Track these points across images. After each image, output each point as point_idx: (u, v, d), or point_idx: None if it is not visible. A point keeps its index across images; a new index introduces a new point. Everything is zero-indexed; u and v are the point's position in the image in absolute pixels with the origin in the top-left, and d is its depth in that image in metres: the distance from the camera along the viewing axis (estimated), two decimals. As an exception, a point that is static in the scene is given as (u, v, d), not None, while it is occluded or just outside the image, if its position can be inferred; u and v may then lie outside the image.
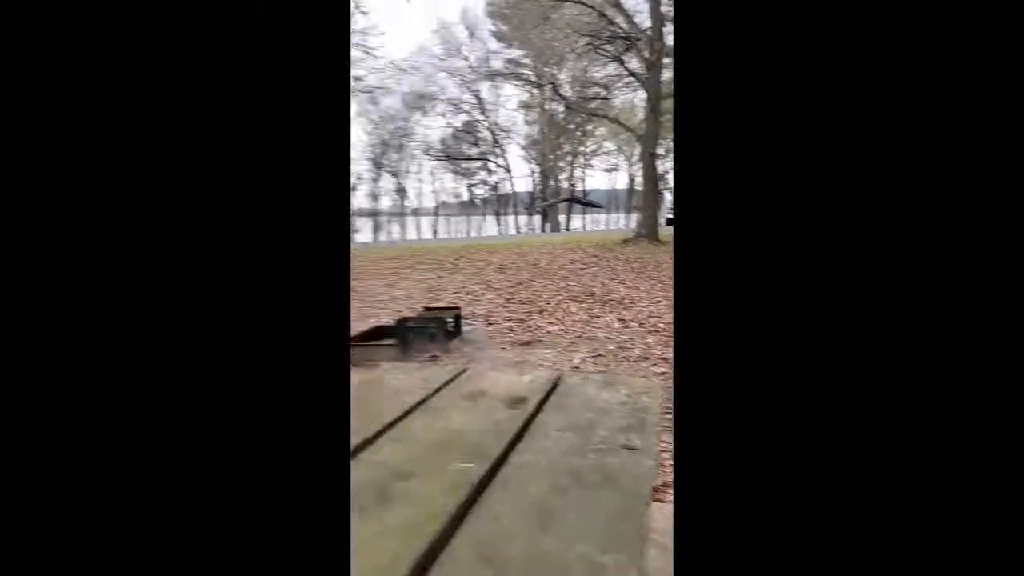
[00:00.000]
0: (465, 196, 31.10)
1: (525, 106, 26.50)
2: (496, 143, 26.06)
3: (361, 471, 0.86)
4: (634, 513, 0.72)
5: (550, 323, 4.48)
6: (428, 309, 4.65)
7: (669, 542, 0.55)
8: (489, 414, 1.07)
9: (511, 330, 4.35)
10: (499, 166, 27.06)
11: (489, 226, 29.74)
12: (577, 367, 3.31)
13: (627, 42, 11.76)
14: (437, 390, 1.22)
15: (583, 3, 11.55)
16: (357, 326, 4.63)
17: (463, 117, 26.32)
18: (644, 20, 11.89)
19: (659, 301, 5.02)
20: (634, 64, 12.44)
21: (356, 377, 3.37)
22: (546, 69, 19.21)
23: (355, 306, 5.55)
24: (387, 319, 4.79)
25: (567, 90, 18.14)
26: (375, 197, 28.43)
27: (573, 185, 29.73)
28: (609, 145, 27.90)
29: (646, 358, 3.36)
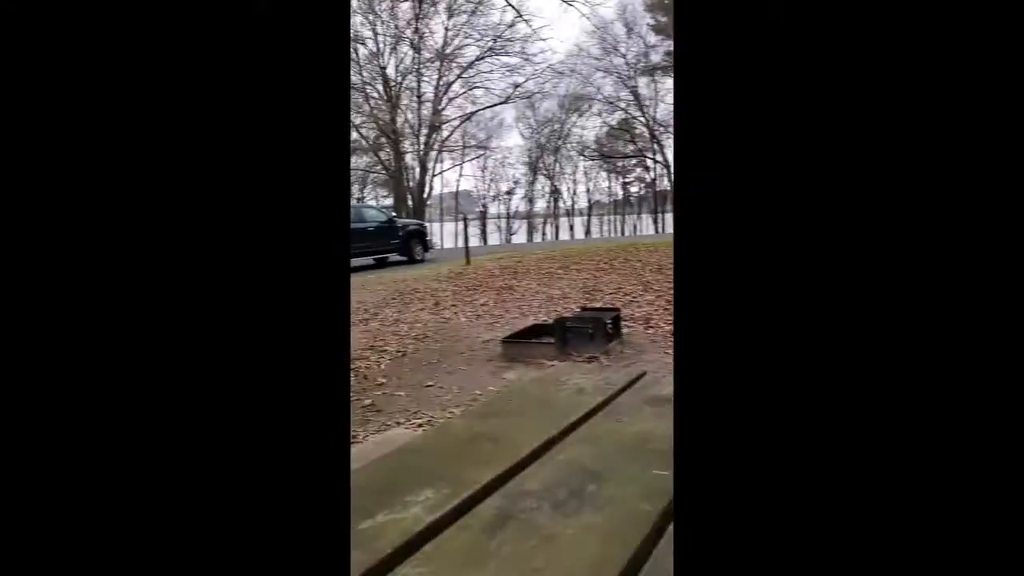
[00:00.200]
0: (620, 195, 30.58)
1: (685, 98, 25.08)
2: (654, 139, 25.18)
3: (549, 469, 0.88)
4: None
5: (716, 328, 4.19)
6: (586, 309, 4.65)
7: None
8: (677, 422, 1.02)
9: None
10: (656, 162, 26.12)
11: (645, 225, 28.89)
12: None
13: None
14: (619, 392, 1.20)
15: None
16: (516, 323, 4.80)
17: (619, 115, 25.88)
18: None
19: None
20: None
21: (529, 374, 3.47)
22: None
23: (513, 305, 5.75)
24: (544, 318, 4.89)
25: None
26: (531, 200, 29.21)
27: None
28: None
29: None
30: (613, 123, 26.23)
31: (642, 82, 24.68)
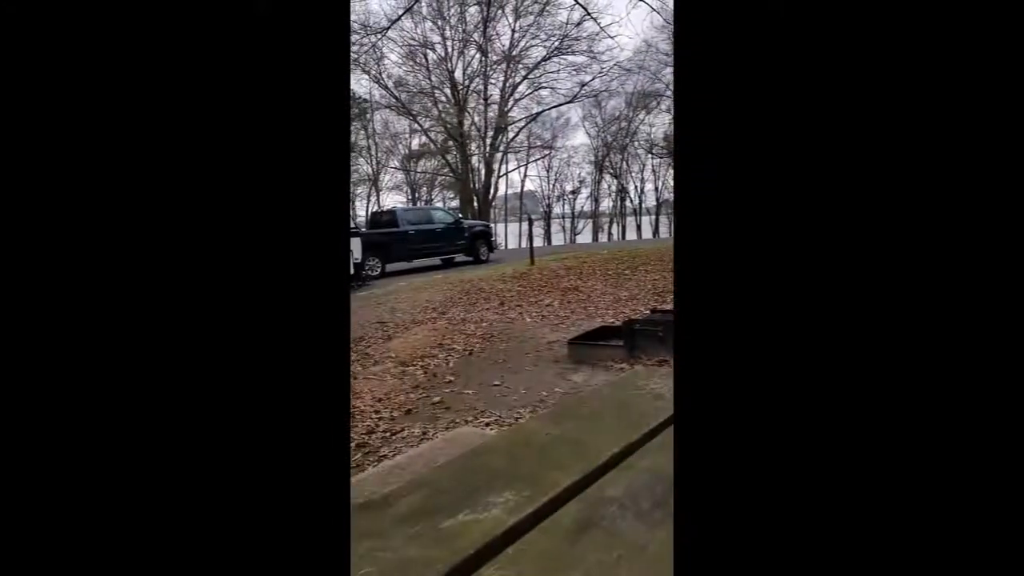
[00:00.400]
0: (689, 194, 29.58)
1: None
2: (725, 136, 24.15)
3: (631, 476, 0.85)
4: None
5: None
6: (655, 311, 4.52)
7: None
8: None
9: (749, 339, 3.98)
10: (728, 160, 25.03)
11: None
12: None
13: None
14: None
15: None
16: (582, 325, 4.75)
17: (689, 111, 25.00)
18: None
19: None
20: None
21: (597, 376, 3.42)
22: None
23: (579, 306, 5.70)
24: (611, 320, 4.80)
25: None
26: (596, 200, 28.88)
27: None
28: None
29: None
30: (682, 119, 25.38)
31: (714, 76, 23.72)
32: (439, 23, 22.00)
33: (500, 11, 21.89)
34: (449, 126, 22.56)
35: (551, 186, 28.77)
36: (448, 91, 22.77)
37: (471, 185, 22.76)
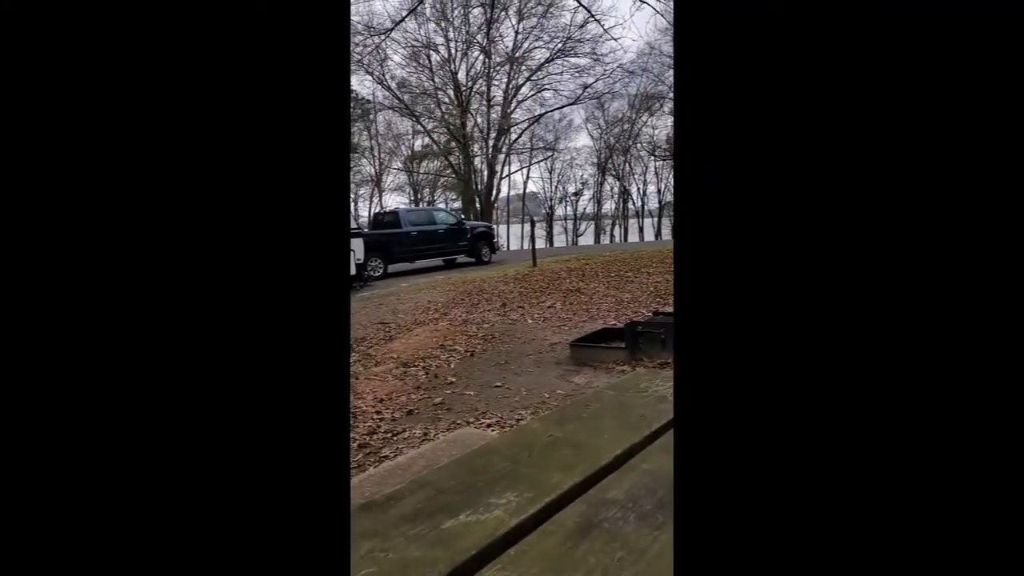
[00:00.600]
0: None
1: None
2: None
3: (633, 478, 0.85)
4: None
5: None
6: (658, 313, 4.52)
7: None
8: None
9: (751, 341, 3.97)
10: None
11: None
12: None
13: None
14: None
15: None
16: (584, 327, 4.74)
17: (692, 113, 25.01)
18: None
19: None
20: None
21: (599, 378, 3.42)
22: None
23: (581, 308, 5.69)
24: (613, 322, 4.80)
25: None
26: (599, 202, 28.87)
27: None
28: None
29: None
30: (685, 122, 25.39)
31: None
32: (442, 24, 22.04)
33: (504, 13, 21.93)
34: (452, 127, 22.58)
35: (553, 188, 28.78)
36: (451, 92, 22.80)
37: (473, 186, 22.77)
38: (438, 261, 11.64)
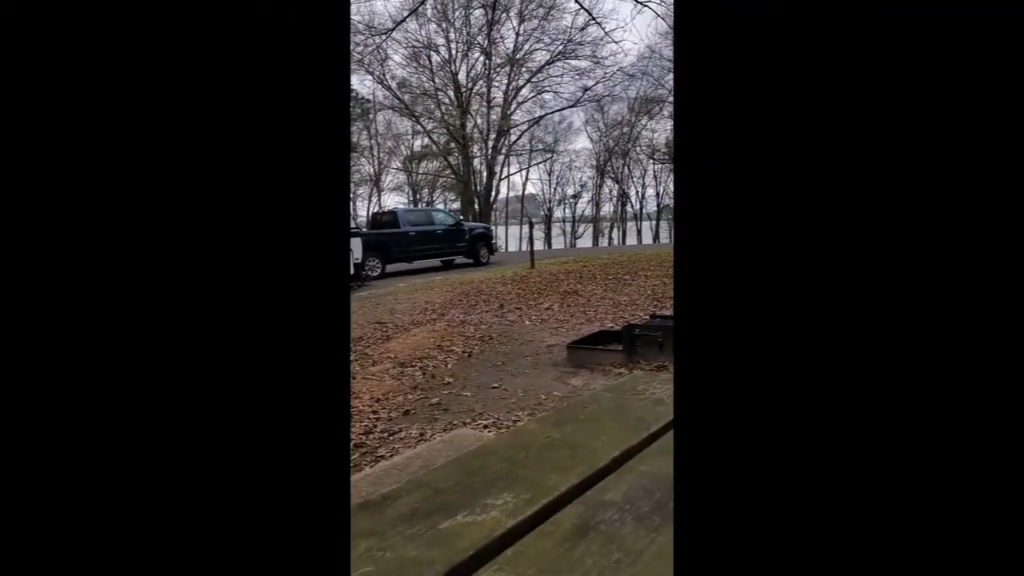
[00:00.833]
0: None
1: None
2: (727, 142, 24.22)
3: (630, 480, 0.85)
4: None
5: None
6: (655, 316, 4.53)
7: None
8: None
9: (748, 345, 3.98)
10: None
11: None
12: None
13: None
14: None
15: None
16: (582, 329, 4.75)
17: (691, 117, 25.07)
18: None
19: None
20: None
21: (596, 380, 3.42)
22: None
23: (579, 310, 5.70)
24: (611, 324, 4.81)
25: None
26: (597, 204, 28.91)
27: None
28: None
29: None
30: (684, 125, 25.44)
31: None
32: (443, 25, 22.06)
33: (505, 15, 21.95)
34: (451, 128, 22.60)
35: (552, 190, 28.81)
36: (451, 93, 22.81)
37: (472, 187, 22.77)
38: (436, 262, 11.64)
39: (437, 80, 22.67)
